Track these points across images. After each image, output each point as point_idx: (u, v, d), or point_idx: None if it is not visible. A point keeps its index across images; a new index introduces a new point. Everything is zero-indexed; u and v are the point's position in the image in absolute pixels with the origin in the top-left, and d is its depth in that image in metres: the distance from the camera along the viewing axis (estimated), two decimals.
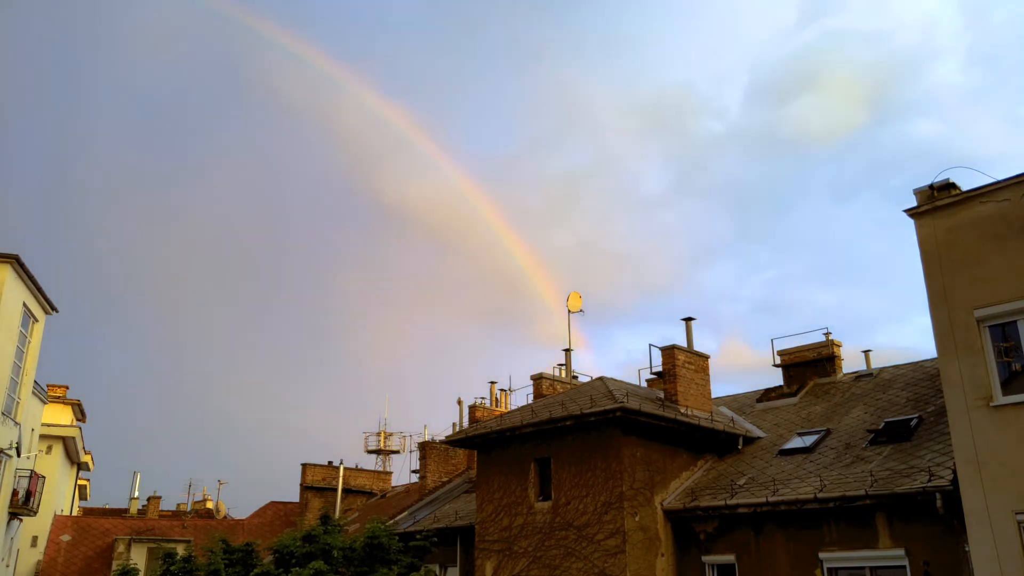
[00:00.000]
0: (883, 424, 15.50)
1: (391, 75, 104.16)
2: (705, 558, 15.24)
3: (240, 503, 79.25)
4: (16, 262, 24.36)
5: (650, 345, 19.48)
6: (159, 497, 42.85)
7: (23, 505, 27.05)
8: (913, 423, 14.97)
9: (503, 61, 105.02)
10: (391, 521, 22.08)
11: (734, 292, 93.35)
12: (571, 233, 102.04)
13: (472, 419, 24.92)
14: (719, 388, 22.32)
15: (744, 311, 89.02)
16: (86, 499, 45.55)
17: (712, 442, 17.45)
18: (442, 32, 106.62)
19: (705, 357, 18.58)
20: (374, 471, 36.24)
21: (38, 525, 30.57)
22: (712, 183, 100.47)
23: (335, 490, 32.18)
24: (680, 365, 17.71)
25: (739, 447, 17.52)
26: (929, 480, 12.38)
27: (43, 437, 32.15)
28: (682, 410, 17.10)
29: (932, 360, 16.63)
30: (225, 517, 42.58)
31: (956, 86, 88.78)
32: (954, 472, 11.91)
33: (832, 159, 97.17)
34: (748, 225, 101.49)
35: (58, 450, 33.73)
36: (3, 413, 24.72)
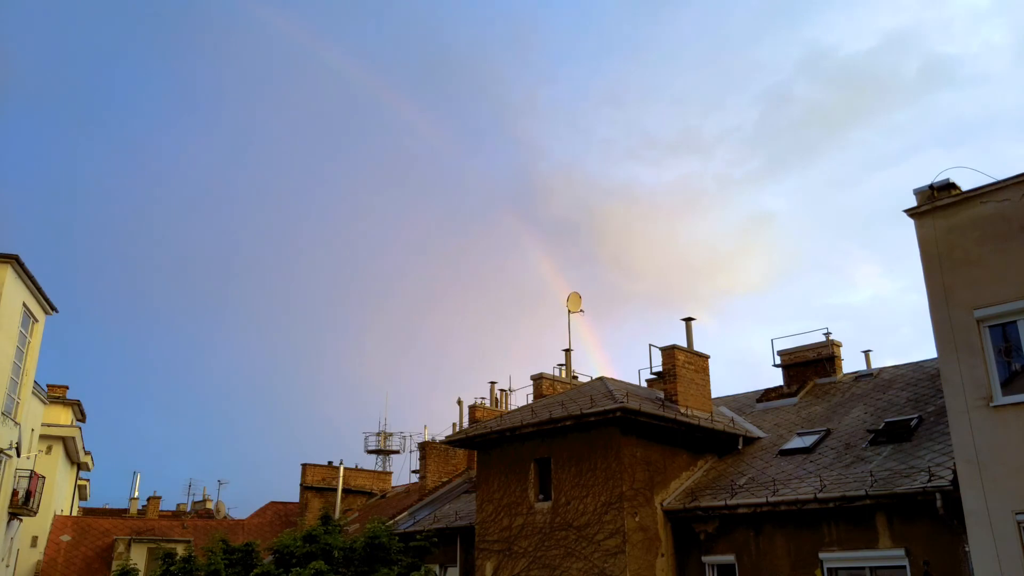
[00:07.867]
0: (883, 424, 15.50)
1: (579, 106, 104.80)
2: (705, 558, 15.24)
3: (240, 503, 79.27)
4: (16, 262, 24.36)
5: (650, 345, 19.48)
6: (159, 497, 42.98)
7: (23, 505, 27.04)
8: (913, 423, 14.97)
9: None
10: (391, 521, 22.06)
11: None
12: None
13: (472, 419, 24.90)
14: None
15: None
16: (86, 499, 45.52)
17: (712, 442, 17.45)
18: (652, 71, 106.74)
19: (705, 357, 18.57)
20: (374, 471, 36.24)
21: (38, 525, 30.55)
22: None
23: (335, 490, 32.15)
24: (680, 365, 17.71)
25: (739, 447, 17.52)
26: (929, 480, 12.38)
27: (43, 437, 32.16)
28: (682, 410, 17.10)
29: (932, 360, 16.63)
30: (225, 517, 42.53)
31: None
32: (954, 472, 11.90)
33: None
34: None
35: (58, 450, 33.71)
36: (3, 413, 24.72)
